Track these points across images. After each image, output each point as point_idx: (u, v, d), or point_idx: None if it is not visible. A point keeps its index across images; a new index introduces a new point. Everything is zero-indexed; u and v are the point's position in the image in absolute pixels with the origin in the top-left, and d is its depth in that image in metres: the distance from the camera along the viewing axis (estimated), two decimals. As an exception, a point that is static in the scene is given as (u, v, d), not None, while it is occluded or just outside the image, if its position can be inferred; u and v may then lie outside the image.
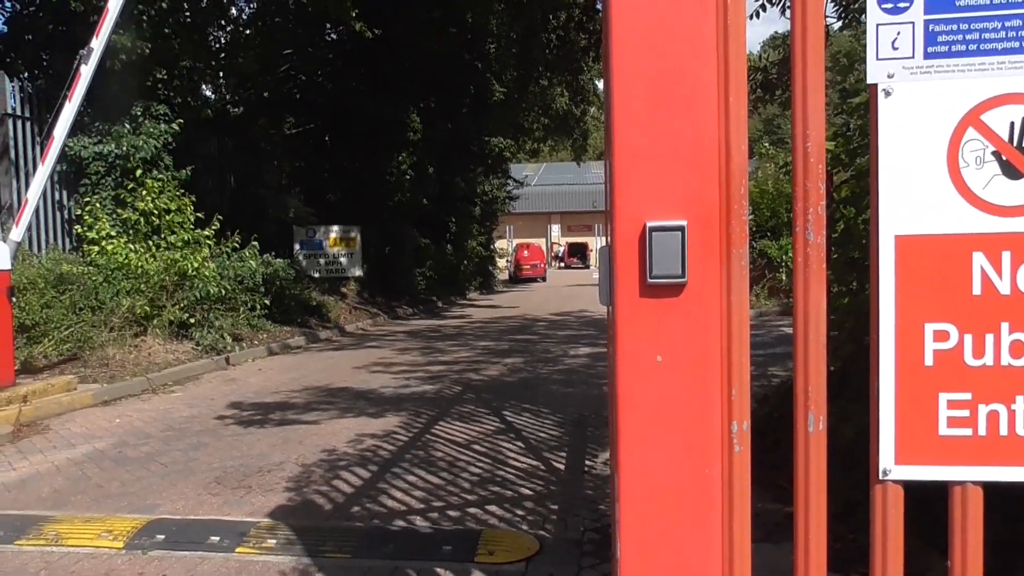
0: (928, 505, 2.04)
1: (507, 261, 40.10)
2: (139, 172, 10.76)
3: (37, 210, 9.47)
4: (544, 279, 37.80)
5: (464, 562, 3.41)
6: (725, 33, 1.61)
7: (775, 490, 3.37)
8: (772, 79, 7.55)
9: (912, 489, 1.66)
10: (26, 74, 11.67)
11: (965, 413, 1.61)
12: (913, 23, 1.58)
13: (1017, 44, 1.55)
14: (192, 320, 10.09)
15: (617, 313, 1.67)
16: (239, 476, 4.88)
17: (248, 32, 15.88)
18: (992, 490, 1.65)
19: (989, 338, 1.60)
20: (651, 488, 1.68)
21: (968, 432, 1.61)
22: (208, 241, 10.70)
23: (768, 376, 6.73)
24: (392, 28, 15.84)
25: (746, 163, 1.64)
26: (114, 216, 10.65)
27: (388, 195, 18.61)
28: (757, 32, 31.34)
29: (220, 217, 10.90)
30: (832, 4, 6.44)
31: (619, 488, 1.71)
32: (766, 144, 20.78)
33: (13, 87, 10.44)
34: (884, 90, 1.60)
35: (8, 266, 6.87)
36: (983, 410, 1.61)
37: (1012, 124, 1.57)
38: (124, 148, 10.75)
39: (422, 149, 19.26)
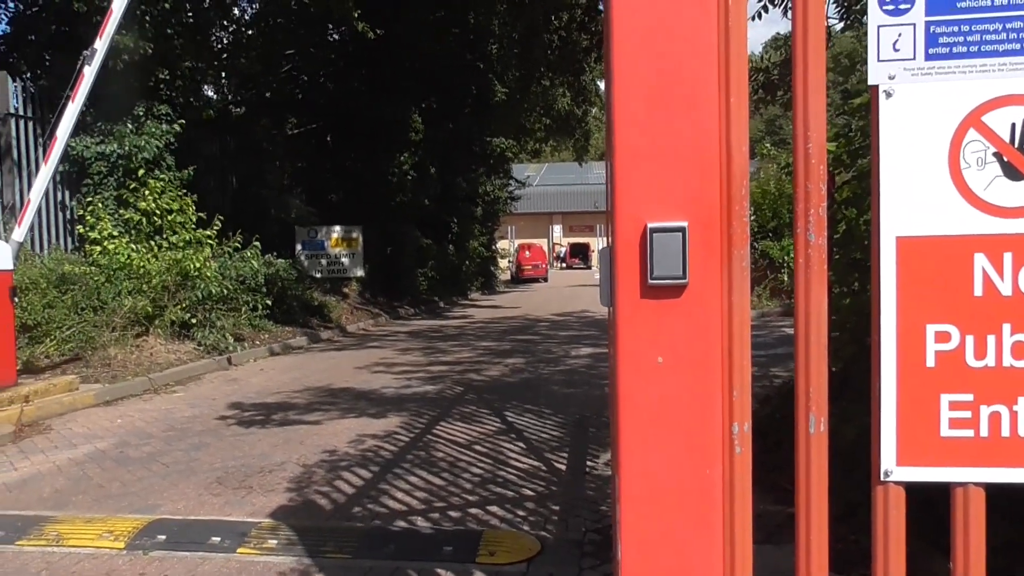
0: (930, 506, 2.04)
1: (509, 261, 40.08)
2: (141, 172, 10.77)
3: (39, 210, 9.50)
4: (546, 279, 37.80)
5: (465, 563, 3.42)
6: (726, 34, 1.61)
7: (777, 491, 3.37)
8: (774, 80, 7.53)
9: (914, 490, 1.66)
10: (29, 74, 11.70)
11: (967, 414, 1.61)
12: (914, 24, 1.58)
13: (1018, 45, 1.55)
14: (194, 320, 10.10)
15: (618, 314, 1.67)
16: (240, 476, 4.89)
17: (250, 32, 15.90)
18: (994, 491, 1.65)
19: (991, 339, 1.59)
20: (652, 489, 1.68)
21: (970, 433, 1.61)
22: (210, 241, 10.70)
23: (770, 377, 6.73)
24: (394, 28, 15.86)
25: (747, 164, 1.64)
26: (116, 216, 10.66)
27: (390, 195, 18.61)
28: (759, 33, 31.34)
29: (221, 217, 10.91)
30: (834, 5, 6.43)
31: (620, 489, 1.71)
32: (768, 145, 20.75)
33: (16, 87, 10.47)
34: (885, 91, 1.60)
35: (10, 266, 6.88)
36: (985, 411, 1.60)
37: (1013, 125, 1.56)
38: (126, 148, 10.77)
39: (424, 149, 19.28)
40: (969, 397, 1.60)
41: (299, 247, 16.47)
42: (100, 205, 10.61)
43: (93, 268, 9.62)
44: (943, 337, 1.60)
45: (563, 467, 4.98)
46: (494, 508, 4.17)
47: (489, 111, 21.13)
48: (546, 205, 54.26)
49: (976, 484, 1.62)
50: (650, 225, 1.62)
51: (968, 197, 1.59)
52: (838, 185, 3.86)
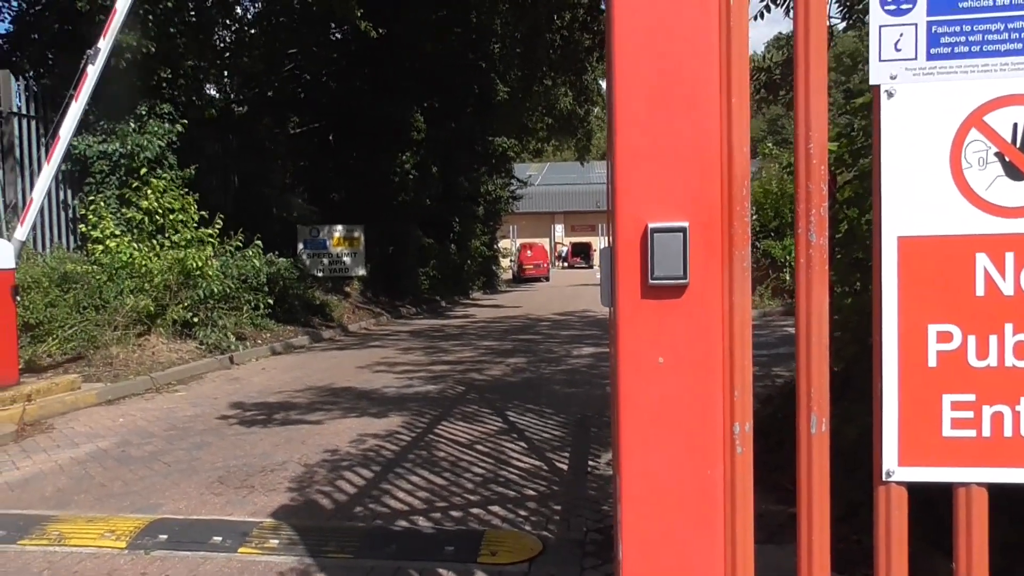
0: (930, 506, 2.04)
1: (511, 261, 40.09)
2: (143, 171, 10.78)
3: (41, 209, 9.49)
4: (547, 279, 37.81)
5: (467, 562, 3.41)
6: (727, 34, 1.61)
7: (779, 491, 3.36)
8: (776, 79, 7.53)
9: (913, 490, 1.66)
10: (31, 73, 11.73)
11: (969, 414, 1.61)
12: (916, 24, 1.58)
13: (1020, 45, 1.55)
14: (196, 319, 10.11)
15: (619, 314, 1.67)
16: (242, 476, 4.89)
17: (253, 32, 15.91)
18: (997, 491, 1.65)
19: (993, 339, 1.59)
20: (653, 489, 1.68)
21: (972, 433, 1.61)
22: (212, 240, 10.72)
23: (772, 376, 6.73)
24: (396, 28, 15.87)
25: (748, 164, 1.64)
26: (118, 215, 10.67)
27: (392, 195, 18.62)
28: (761, 33, 31.39)
29: (222, 216, 10.92)
30: (836, 5, 6.43)
31: (621, 489, 1.70)
32: (770, 144, 20.74)
33: (18, 86, 10.49)
34: (887, 91, 1.60)
35: (13, 265, 6.89)
36: (987, 411, 1.60)
37: (1015, 125, 1.56)
38: (129, 147, 10.78)
39: (426, 149, 19.28)
40: (971, 397, 1.60)
41: (301, 246, 16.49)
42: (102, 204, 10.62)
43: (95, 267, 9.63)
44: (945, 337, 1.60)
45: (565, 467, 4.98)
46: (496, 508, 4.17)
47: (491, 110, 21.14)
48: (548, 204, 54.26)
49: (979, 484, 1.62)
50: (651, 225, 1.62)
51: (970, 197, 1.58)
52: (840, 185, 3.86)
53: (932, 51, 1.57)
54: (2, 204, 9.82)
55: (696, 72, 1.62)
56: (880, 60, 1.59)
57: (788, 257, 15.05)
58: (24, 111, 10.39)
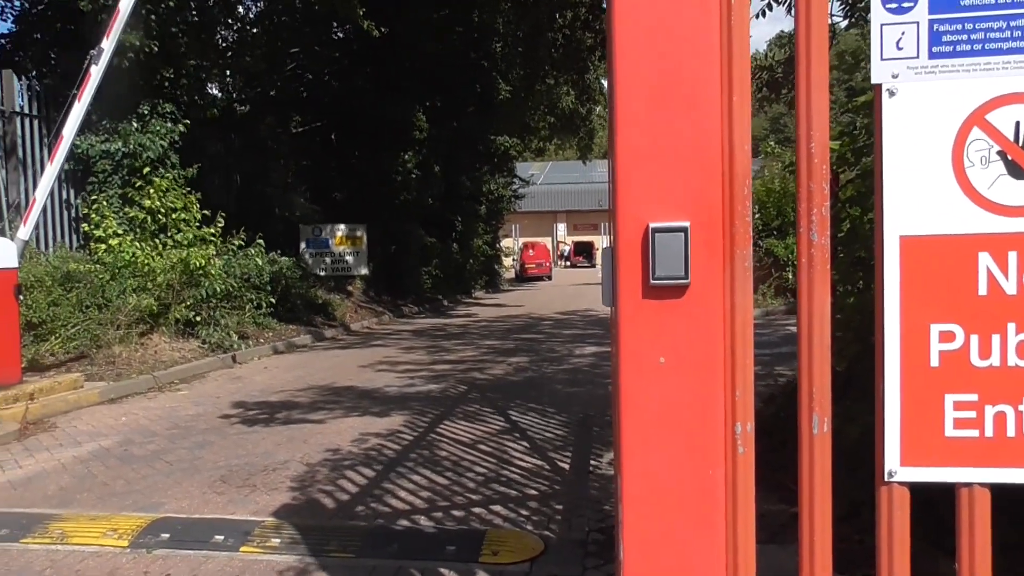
0: (930, 507, 2.03)
1: (513, 260, 40.08)
2: (146, 170, 10.79)
3: (44, 208, 9.51)
4: (550, 278, 37.81)
5: (468, 562, 3.41)
6: (728, 33, 1.61)
7: (782, 491, 3.35)
8: (778, 78, 7.51)
9: (914, 490, 1.65)
10: (34, 72, 11.73)
11: (972, 414, 1.60)
12: (917, 23, 1.57)
13: (1022, 44, 1.54)
14: (198, 318, 10.12)
15: (620, 314, 1.67)
16: (244, 475, 4.90)
17: (255, 31, 15.92)
18: (1000, 492, 1.64)
19: (995, 339, 1.59)
20: (654, 489, 1.68)
21: (975, 433, 1.60)
22: (214, 239, 10.73)
23: (774, 375, 6.72)
24: (398, 27, 15.87)
25: (749, 163, 1.64)
26: (121, 214, 10.68)
27: (394, 194, 18.62)
28: (763, 31, 31.30)
29: (224, 215, 10.92)
30: (838, 3, 6.41)
31: (622, 489, 1.70)
32: (772, 143, 20.72)
33: (21, 85, 10.50)
34: (888, 90, 1.59)
35: (15, 264, 6.90)
36: (990, 411, 1.60)
37: (1017, 124, 1.56)
38: (131, 146, 10.79)
39: (428, 148, 19.28)
40: (974, 397, 1.60)
41: (303, 245, 16.50)
42: (105, 203, 10.63)
43: (98, 266, 9.65)
44: (947, 337, 1.60)
45: (567, 466, 4.98)
46: (497, 507, 4.17)
47: (493, 109, 21.13)
48: (550, 203, 54.22)
49: (981, 485, 1.61)
50: (652, 225, 1.62)
51: (972, 196, 1.58)
52: (842, 183, 3.85)
53: (934, 49, 1.57)
54: (5, 203, 9.83)
55: (697, 72, 1.61)
56: (882, 59, 1.59)
57: (791, 256, 15.03)
58: (27, 111, 10.40)
